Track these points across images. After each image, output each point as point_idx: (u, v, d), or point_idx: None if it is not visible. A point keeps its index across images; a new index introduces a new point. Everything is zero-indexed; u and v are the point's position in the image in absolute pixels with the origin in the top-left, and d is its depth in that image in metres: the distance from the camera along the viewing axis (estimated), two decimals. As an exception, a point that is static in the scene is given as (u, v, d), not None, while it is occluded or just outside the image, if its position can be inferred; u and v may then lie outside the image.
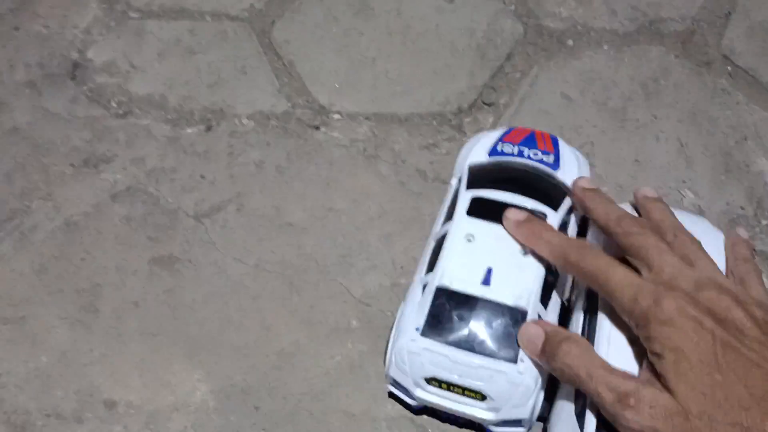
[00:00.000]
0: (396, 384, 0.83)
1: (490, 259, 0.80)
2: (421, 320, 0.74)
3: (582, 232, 0.86)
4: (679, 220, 0.86)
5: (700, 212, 1.03)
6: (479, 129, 1.22)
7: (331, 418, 0.76)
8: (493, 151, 0.89)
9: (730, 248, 0.67)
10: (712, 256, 0.75)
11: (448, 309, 0.73)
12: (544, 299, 0.83)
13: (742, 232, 0.75)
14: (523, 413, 0.78)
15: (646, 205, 0.63)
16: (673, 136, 1.20)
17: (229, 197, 0.96)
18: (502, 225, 0.75)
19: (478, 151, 0.89)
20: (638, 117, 1.24)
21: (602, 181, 1.13)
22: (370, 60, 1.27)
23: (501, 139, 0.90)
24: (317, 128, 1.08)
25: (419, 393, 0.82)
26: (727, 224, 1.06)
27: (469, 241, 0.75)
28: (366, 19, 1.35)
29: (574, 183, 0.72)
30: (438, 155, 1.12)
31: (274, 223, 0.94)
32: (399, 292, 0.95)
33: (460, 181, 0.84)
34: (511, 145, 0.90)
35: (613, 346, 0.63)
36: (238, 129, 1.08)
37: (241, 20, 1.27)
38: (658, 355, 0.44)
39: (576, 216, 0.89)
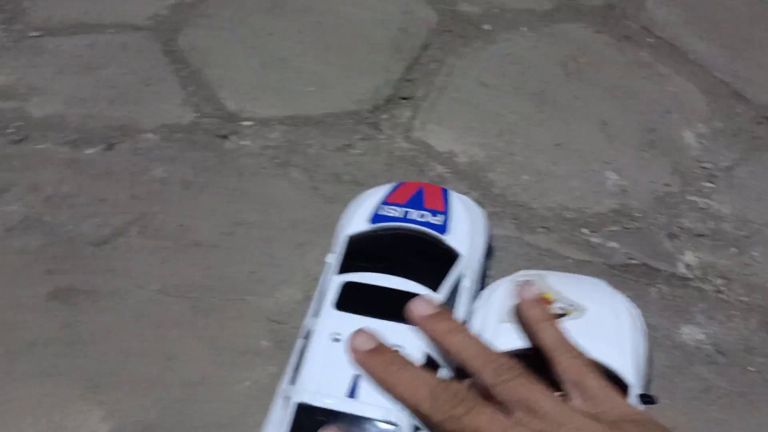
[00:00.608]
0: None
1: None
2: None
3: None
4: (577, 285, 0.82)
5: (624, 193, 0.99)
6: (397, 125, 1.17)
7: (256, 411, 0.71)
8: (375, 218, 0.79)
9: (554, 358, 0.56)
10: (608, 335, 0.72)
11: (311, 428, 0.64)
12: None
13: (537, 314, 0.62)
14: None
15: (533, 327, 0.54)
16: (594, 116, 1.17)
17: (131, 219, 0.90)
18: (377, 317, 0.63)
19: (358, 218, 0.79)
20: (558, 99, 1.20)
21: (523, 169, 1.09)
22: (282, 60, 1.21)
23: (385, 201, 0.79)
24: (226, 137, 1.03)
25: None
26: (653, 201, 1.02)
27: (335, 340, 0.65)
28: (276, 18, 1.29)
29: (409, 309, 0.58)
30: (353, 156, 1.07)
31: (179, 243, 0.88)
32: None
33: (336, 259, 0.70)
34: (396, 207, 0.80)
35: None
36: (141, 145, 1.01)
37: (144, 30, 1.20)
38: None
39: (477, 275, 0.81)
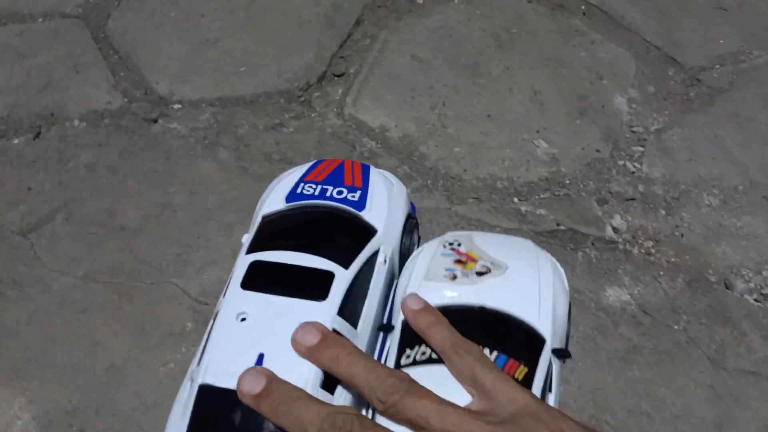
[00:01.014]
0: None
1: (263, 342, 0.69)
2: (183, 426, 0.62)
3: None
4: (502, 244, 0.82)
5: (554, 161, 0.99)
6: (329, 103, 1.16)
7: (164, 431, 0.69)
8: (291, 196, 0.76)
9: (447, 359, 0.54)
10: (526, 292, 0.73)
11: (213, 410, 0.62)
12: (330, 384, 0.71)
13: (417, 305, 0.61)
14: None
15: (425, 331, 0.52)
16: (526, 86, 1.16)
17: (57, 206, 0.88)
18: (284, 296, 0.62)
19: (274, 197, 0.77)
20: (491, 70, 1.19)
21: (455, 141, 1.08)
22: (212, 42, 1.19)
23: (303, 179, 0.77)
24: (155, 121, 1.01)
25: None
26: (583, 168, 1.02)
27: (241, 320, 0.63)
28: (207, 0, 1.26)
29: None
30: (284, 135, 1.06)
31: (105, 228, 0.86)
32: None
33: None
34: (314, 185, 0.78)
35: None
36: (69, 132, 0.99)
37: (74, 17, 1.18)
38: None
39: (395, 250, 0.80)
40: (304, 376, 0.67)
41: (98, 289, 0.80)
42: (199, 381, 0.63)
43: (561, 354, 0.70)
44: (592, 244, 0.85)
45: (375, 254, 0.78)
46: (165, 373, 0.72)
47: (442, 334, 0.55)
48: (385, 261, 0.77)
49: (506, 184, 0.93)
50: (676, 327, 0.74)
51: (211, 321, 0.71)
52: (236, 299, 0.71)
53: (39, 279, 0.79)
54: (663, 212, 0.90)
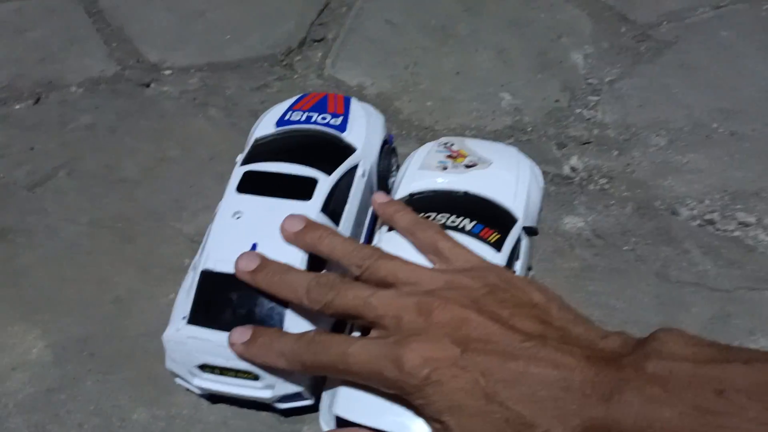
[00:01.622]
0: (176, 375, 0.80)
1: (256, 234, 0.76)
2: (187, 308, 0.70)
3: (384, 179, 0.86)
4: (489, 147, 0.91)
5: (518, 111, 1.04)
6: (310, 65, 1.20)
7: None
8: (280, 122, 0.86)
9: (412, 236, 0.61)
10: (505, 183, 0.80)
11: (214, 292, 0.70)
12: (316, 266, 0.79)
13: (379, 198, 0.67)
14: (297, 386, 0.76)
15: (391, 217, 0.63)
16: (492, 45, 1.22)
17: (60, 163, 0.93)
18: (274, 197, 0.72)
19: (266, 124, 0.86)
20: (459, 32, 1.24)
21: (427, 97, 1.13)
22: (200, 13, 1.23)
23: (291, 108, 0.87)
24: (148, 85, 1.05)
25: (197, 381, 0.79)
26: (544, 116, 1.08)
27: (237, 218, 0.72)
28: (193, -27, 1.30)
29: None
30: (269, 94, 1.11)
31: (106, 180, 0.91)
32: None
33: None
34: (300, 112, 0.87)
35: None
36: (68, 98, 1.04)
37: (65, -7, 1.21)
38: (438, 421, 0.41)
39: (372, 167, 0.88)
40: (291, 261, 0.75)
41: (103, 234, 0.84)
42: (201, 267, 0.71)
43: (530, 231, 0.81)
44: (552, 180, 0.91)
45: (355, 168, 0.88)
46: (167, 302, 0.77)
47: (406, 217, 0.62)
48: (363, 174, 0.87)
49: (475, 133, 0.98)
50: (625, 247, 0.80)
51: (210, 222, 0.79)
52: (232, 201, 0.80)
53: (47, 227, 0.84)
54: (616, 153, 0.96)
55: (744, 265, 0.83)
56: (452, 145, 0.93)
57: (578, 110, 1.11)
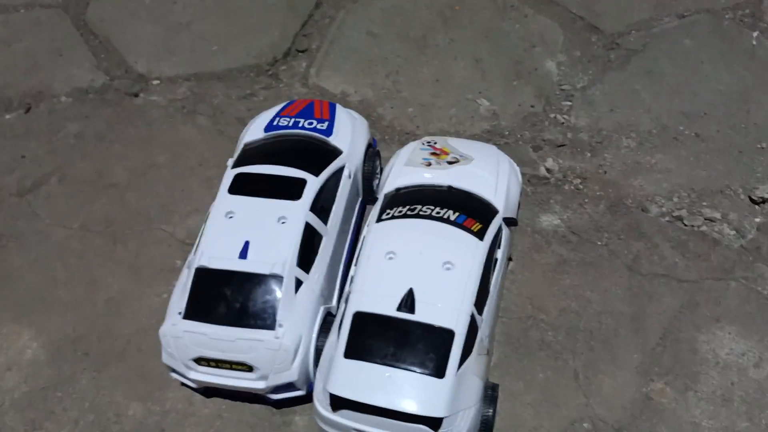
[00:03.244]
0: (172, 369, 0.80)
1: (248, 233, 0.86)
2: (183, 303, 0.82)
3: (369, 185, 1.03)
4: (471, 145, 0.94)
5: (495, 116, 1.07)
6: (294, 74, 1.23)
7: (160, 349, 0.76)
8: (269, 127, 1.00)
9: None
10: (486, 178, 1.01)
11: (208, 288, 0.83)
12: (307, 260, 0.97)
13: None
14: (291, 376, 0.78)
15: None
16: (469, 55, 1.25)
17: (50, 170, 0.94)
18: (264, 197, 0.81)
19: (254, 129, 0.99)
20: (437, 42, 1.28)
21: (408, 103, 1.16)
22: (186, 25, 1.25)
23: (278, 114, 0.95)
24: (136, 95, 1.06)
25: (193, 375, 0.82)
26: (520, 121, 1.11)
27: (229, 218, 0.85)
28: (178, -14, 1.31)
29: None
30: (256, 103, 1.13)
31: (96, 186, 0.92)
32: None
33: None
34: (288, 118, 1.02)
35: None
36: (57, 107, 1.05)
37: (54, 7, 1.22)
38: None
39: (358, 169, 0.91)
40: (283, 256, 0.80)
41: (93, 237, 0.85)
42: (196, 265, 0.74)
43: (510, 222, 0.88)
44: (528, 180, 0.93)
45: (341, 169, 0.95)
46: (159, 302, 0.78)
47: None
48: (349, 176, 0.95)
49: (454, 137, 1.01)
50: (599, 243, 0.83)
51: (203, 223, 0.83)
52: (224, 202, 0.86)
53: (38, 232, 0.85)
54: (588, 155, 0.99)
55: (710, 258, 0.86)
56: (435, 143, 1.01)
57: (552, 115, 1.14)
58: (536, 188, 0.95)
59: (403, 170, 1.12)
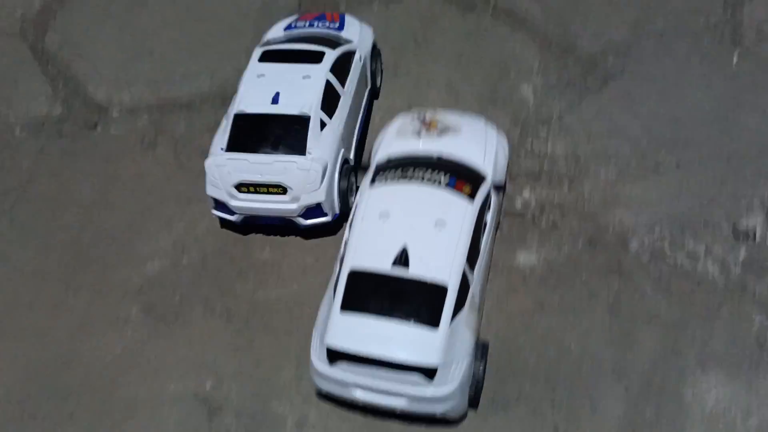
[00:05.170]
0: (217, 205, 1.05)
1: (277, 86, 1.17)
2: (224, 141, 1.04)
3: None
4: (460, 117, 0.96)
5: (469, 144, 1.01)
6: (261, 101, 1.16)
7: (129, 378, 0.71)
8: (288, 27, 1.18)
9: None
10: (474, 147, 0.99)
11: (246, 128, 1.06)
12: (329, 109, 1.27)
13: None
14: (319, 196, 1.12)
15: None
16: (442, 79, 1.20)
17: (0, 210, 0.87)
18: (290, 63, 1.09)
19: (275, 29, 1.18)
20: (410, 67, 1.23)
21: (381, 128, 1.11)
22: (148, 51, 1.19)
23: (296, 20, 1.26)
24: (94, 127, 1.00)
25: (234, 202, 1.07)
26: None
27: (260, 77, 1.13)
28: (141, 10, 1.26)
29: None
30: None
31: (48, 228, 0.86)
32: (181, 274, 0.89)
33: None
34: (303, 22, 1.19)
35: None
36: (11, 141, 0.98)
37: (9, 35, 1.16)
38: None
39: (366, 58, 1.21)
40: (309, 100, 1.29)
41: (45, 285, 0.79)
42: (233, 111, 1.18)
43: (498, 187, 0.89)
44: (504, 215, 0.88)
45: (353, 53, 1.30)
46: (112, 357, 0.72)
47: None
48: (360, 59, 1.29)
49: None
50: (577, 283, 0.78)
51: (239, 84, 1.25)
52: (255, 68, 1.19)
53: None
54: (566, 185, 0.94)
55: (694, 298, 0.81)
56: (425, 115, 1.06)
57: (529, 143, 1.09)
58: (513, 223, 0.91)
59: (395, 140, 1.17)
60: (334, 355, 1.16)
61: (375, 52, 1.41)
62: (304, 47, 1.33)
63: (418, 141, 1.17)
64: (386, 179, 1.26)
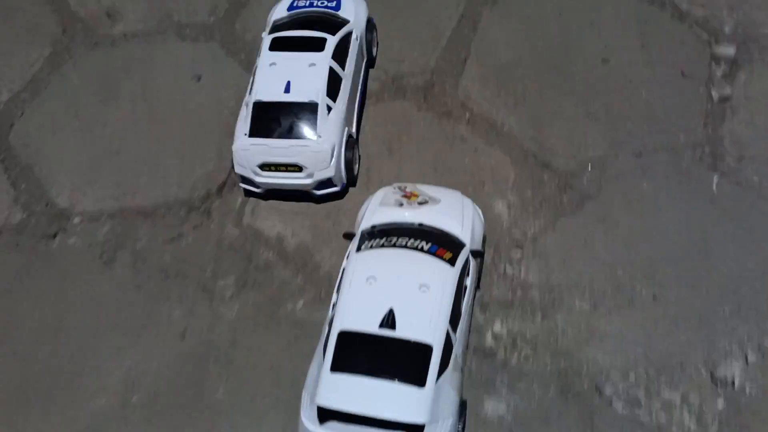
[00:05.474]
0: (243, 180, 1.36)
1: (288, 75, 1.63)
2: (247, 128, 1.50)
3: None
4: (437, 189, 1.18)
5: (441, 267, 0.98)
6: (229, 211, 1.13)
7: None
8: (291, 7, 1.86)
9: None
10: (452, 217, 1.18)
11: (264, 114, 1.51)
12: (333, 93, 1.72)
13: None
14: (330, 172, 1.46)
15: None
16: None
17: (-57, 334, 0.82)
18: (297, 51, 1.65)
19: (280, 10, 1.89)
20: (382, 177, 1.20)
21: (345, 252, 1.07)
22: (114, 152, 1.15)
23: (297, 1, 2.23)
24: (54, 236, 0.96)
25: (259, 179, 1.40)
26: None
27: (272, 66, 1.56)
28: (110, 108, 1.23)
29: None
30: (183, 246, 1.02)
31: (-6, 356, 0.80)
32: (131, 414, 0.84)
33: (263, 38, 2.09)
34: (304, 1, 1.87)
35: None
36: (-37, 253, 0.93)
37: (-29, 128, 1.12)
38: None
39: (362, 35, 1.98)
40: (317, 87, 1.71)
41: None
42: (252, 100, 1.61)
43: (476, 254, 0.87)
44: (474, 352, 0.85)
45: (350, 33, 1.82)
46: None
47: None
48: (357, 38, 1.85)
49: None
50: (548, 439, 0.74)
51: (252, 73, 1.79)
52: (267, 57, 1.76)
53: None
54: (539, 317, 0.91)
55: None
56: (405, 187, 1.07)
57: (502, 266, 1.06)
58: (481, 364, 0.87)
59: (378, 209, 1.21)
60: (325, 415, 1.15)
61: (369, 26, 1.99)
62: (307, 34, 1.80)
63: (400, 210, 1.28)
64: (371, 245, 1.38)
